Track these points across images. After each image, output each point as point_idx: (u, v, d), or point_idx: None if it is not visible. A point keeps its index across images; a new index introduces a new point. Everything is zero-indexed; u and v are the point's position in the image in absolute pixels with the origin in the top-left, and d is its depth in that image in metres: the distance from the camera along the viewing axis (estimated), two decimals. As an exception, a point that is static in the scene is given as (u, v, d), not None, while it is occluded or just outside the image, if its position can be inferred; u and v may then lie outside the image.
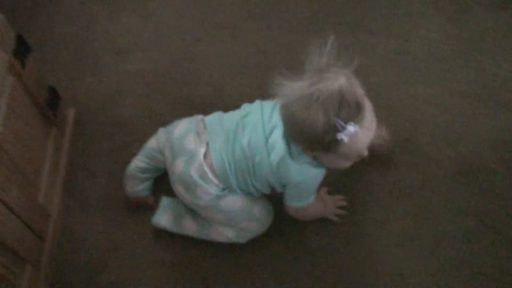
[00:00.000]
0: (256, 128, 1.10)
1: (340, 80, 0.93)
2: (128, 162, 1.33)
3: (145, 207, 1.32)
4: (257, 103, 1.16)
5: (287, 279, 1.22)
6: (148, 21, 1.69)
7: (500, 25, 1.56)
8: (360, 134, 0.94)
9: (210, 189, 1.15)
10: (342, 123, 0.92)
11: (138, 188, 1.30)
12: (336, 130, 0.92)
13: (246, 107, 1.18)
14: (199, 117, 1.22)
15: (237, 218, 1.19)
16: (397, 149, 1.34)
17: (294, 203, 1.17)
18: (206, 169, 1.13)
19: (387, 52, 1.54)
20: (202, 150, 1.14)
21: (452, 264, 1.20)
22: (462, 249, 1.21)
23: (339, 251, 1.24)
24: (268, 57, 1.56)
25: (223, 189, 1.16)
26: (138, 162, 1.31)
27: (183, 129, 1.21)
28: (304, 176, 1.09)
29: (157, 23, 1.68)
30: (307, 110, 0.93)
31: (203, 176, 1.14)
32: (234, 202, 1.17)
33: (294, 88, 0.95)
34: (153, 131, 1.34)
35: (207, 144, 1.15)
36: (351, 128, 0.92)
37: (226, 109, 1.23)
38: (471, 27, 1.57)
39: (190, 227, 1.25)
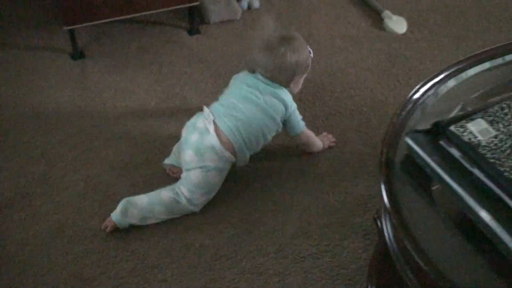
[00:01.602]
0: (248, 94, 1.49)
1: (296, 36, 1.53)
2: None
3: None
4: (237, 77, 1.57)
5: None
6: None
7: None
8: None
9: (216, 158, 1.44)
10: (310, 49, 1.54)
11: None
12: (310, 54, 1.53)
13: (231, 85, 1.57)
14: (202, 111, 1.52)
15: (207, 187, 1.47)
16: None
17: (300, 129, 1.57)
18: (217, 140, 1.43)
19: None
20: (212, 127, 1.44)
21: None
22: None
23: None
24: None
25: (224, 163, 1.47)
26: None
27: (192, 119, 1.51)
28: (293, 103, 1.53)
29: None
30: (298, 58, 1.49)
31: (213, 148, 1.43)
32: (215, 177, 1.47)
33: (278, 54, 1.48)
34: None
35: (214, 123, 1.45)
36: (310, 49, 1.54)
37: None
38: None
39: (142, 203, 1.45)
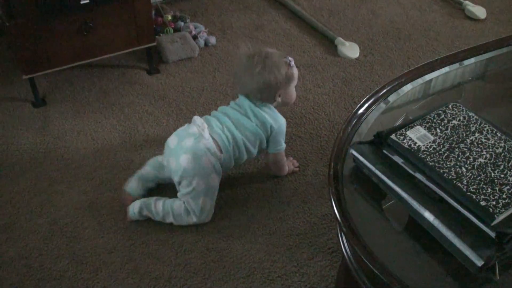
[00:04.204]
0: (235, 111, 1.59)
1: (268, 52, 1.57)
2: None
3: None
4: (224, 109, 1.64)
5: None
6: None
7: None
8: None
9: (213, 160, 1.51)
10: (290, 59, 1.58)
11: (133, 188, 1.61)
12: (289, 65, 1.57)
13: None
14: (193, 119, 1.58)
15: (208, 191, 1.53)
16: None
17: (276, 147, 1.61)
18: (213, 143, 1.51)
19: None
20: (207, 132, 1.51)
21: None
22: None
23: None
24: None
25: (220, 164, 1.53)
26: (144, 171, 1.63)
27: (180, 129, 1.58)
28: (278, 122, 1.59)
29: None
30: (274, 74, 1.53)
31: (210, 149, 1.50)
32: (215, 180, 1.54)
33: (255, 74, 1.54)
34: None
35: (207, 129, 1.52)
36: (291, 58, 1.58)
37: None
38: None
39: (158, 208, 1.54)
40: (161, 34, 2.22)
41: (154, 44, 2.06)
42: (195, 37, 2.25)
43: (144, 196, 1.60)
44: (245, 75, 1.55)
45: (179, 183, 1.53)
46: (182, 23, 2.30)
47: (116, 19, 1.92)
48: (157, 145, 1.81)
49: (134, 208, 1.55)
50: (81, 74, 2.12)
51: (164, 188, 1.66)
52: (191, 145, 1.49)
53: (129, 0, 1.89)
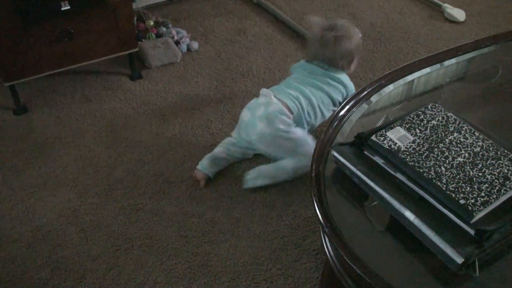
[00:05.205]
0: (308, 78, 1.74)
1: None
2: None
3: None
4: (296, 66, 1.84)
5: None
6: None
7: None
8: None
9: (286, 119, 1.64)
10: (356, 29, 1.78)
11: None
12: (359, 34, 1.77)
13: (291, 73, 1.83)
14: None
15: (298, 142, 1.64)
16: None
17: None
18: (283, 106, 1.65)
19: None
20: (274, 98, 1.66)
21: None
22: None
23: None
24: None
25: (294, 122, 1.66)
26: (216, 151, 1.73)
27: (250, 102, 1.71)
28: (351, 85, 1.78)
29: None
30: (354, 42, 1.74)
31: (280, 111, 1.64)
32: (298, 131, 1.66)
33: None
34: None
35: (273, 96, 1.67)
36: (357, 30, 1.78)
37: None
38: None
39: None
40: (144, 40, 2.22)
41: (137, 50, 2.06)
42: (177, 43, 2.25)
43: (214, 173, 1.70)
44: (322, 45, 1.72)
45: (266, 151, 1.69)
46: (164, 29, 2.30)
47: (97, 25, 1.91)
48: (141, 150, 1.81)
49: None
50: (63, 81, 2.11)
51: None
52: (263, 113, 1.64)
53: (110, 6, 1.89)
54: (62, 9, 1.80)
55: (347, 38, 1.71)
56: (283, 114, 1.64)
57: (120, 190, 1.67)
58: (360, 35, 1.77)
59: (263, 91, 1.71)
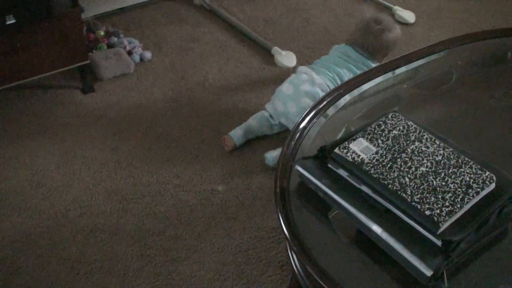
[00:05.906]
0: (343, 60, 1.85)
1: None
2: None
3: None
4: (335, 48, 1.94)
5: None
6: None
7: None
8: None
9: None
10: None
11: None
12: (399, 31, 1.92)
13: (329, 53, 1.93)
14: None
15: None
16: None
17: None
18: (325, 84, 1.76)
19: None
20: (316, 76, 1.77)
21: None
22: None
23: None
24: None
25: None
26: (249, 122, 1.84)
27: (292, 76, 1.83)
28: None
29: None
30: (394, 36, 1.88)
31: (324, 90, 1.75)
32: None
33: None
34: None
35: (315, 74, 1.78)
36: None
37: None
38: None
39: None
40: (94, 51, 2.15)
41: (88, 62, 2.00)
42: (130, 53, 2.20)
43: (240, 144, 1.80)
44: (367, 33, 1.84)
45: None
46: (115, 39, 2.24)
47: (45, 38, 1.84)
48: (97, 167, 1.75)
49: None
50: (11, 97, 2.02)
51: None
52: (309, 89, 1.75)
53: (57, 18, 1.82)
54: (7, 23, 1.72)
55: (390, 32, 1.85)
56: (323, 93, 1.72)
57: (76, 210, 1.60)
58: (400, 34, 1.91)
59: (302, 68, 1.82)
